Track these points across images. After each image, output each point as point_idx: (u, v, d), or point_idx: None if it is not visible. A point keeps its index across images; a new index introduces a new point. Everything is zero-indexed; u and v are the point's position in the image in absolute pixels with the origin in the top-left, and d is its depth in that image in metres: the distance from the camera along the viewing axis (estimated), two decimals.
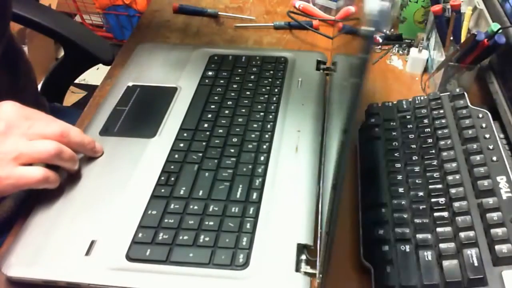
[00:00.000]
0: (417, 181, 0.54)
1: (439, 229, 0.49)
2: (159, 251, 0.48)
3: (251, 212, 0.52)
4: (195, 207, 0.52)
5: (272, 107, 0.65)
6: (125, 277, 0.46)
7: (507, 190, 0.51)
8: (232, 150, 0.59)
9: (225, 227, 0.50)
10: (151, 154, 0.58)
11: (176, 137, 0.61)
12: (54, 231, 0.50)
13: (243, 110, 0.65)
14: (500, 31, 0.61)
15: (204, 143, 0.60)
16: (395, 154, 0.57)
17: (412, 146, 0.58)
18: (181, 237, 0.49)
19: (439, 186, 0.53)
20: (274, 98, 0.66)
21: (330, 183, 0.53)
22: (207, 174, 0.56)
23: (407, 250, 0.49)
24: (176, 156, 0.58)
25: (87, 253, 0.48)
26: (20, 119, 0.51)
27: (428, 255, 0.48)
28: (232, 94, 0.67)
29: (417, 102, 0.63)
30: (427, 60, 0.75)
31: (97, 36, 1.03)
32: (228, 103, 0.66)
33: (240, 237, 0.49)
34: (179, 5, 0.90)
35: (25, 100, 0.73)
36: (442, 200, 0.52)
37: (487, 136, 0.57)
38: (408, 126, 0.60)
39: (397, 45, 0.81)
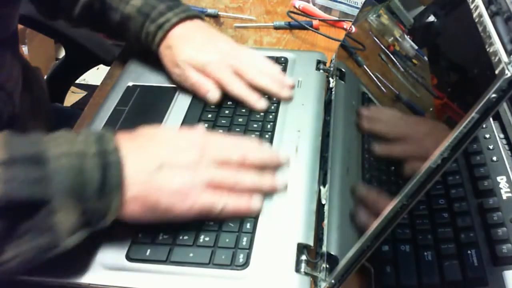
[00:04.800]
0: None
1: (439, 229, 0.49)
2: (159, 251, 0.48)
3: None
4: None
5: (272, 107, 0.65)
6: (125, 277, 0.46)
7: (507, 190, 0.52)
8: None
9: (225, 227, 0.50)
10: None
11: None
12: None
13: (243, 110, 0.64)
14: None
15: None
16: None
17: None
18: (181, 237, 0.49)
19: (439, 186, 0.53)
20: (274, 98, 0.66)
21: (338, 184, 0.53)
22: None
23: (407, 250, 0.49)
24: None
25: (87, 253, 0.48)
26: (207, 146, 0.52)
27: (428, 255, 0.48)
28: None
29: None
30: None
31: (98, 36, 1.03)
32: (228, 103, 0.66)
33: (240, 237, 0.49)
34: None
35: (40, 110, 0.75)
36: (442, 200, 0.52)
37: (487, 136, 0.57)
38: None
39: None
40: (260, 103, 0.64)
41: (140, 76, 0.71)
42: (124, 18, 0.68)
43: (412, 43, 0.54)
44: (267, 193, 0.53)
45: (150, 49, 0.69)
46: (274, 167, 0.55)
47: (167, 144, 0.50)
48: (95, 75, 1.21)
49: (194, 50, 0.65)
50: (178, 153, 0.49)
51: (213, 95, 0.64)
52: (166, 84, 0.69)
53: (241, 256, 0.48)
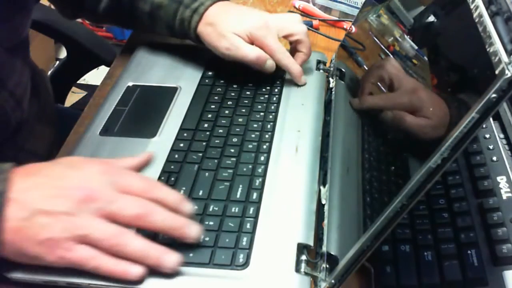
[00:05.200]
0: None
1: (439, 230, 0.49)
2: None
3: (251, 212, 0.52)
4: (195, 207, 0.52)
5: (272, 107, 0.65)
6: None
7: (507, 190, 0.52)
8: (232, 150, 0.59)
9: (225, 227, 0.50)
10: None
11: (176, 137, 0.61)
12: None
13: (243, 110, 0.64)
14: None
15: (204, 143, 0.60)
16: None
17: None
18: None
19: (439, 186, 0.53)
20: (274, 98, 0.66)
21: (337, 186, 0.53)
22: (207, 174, 0.56)
23: (407, 250, 0.49)
24: (176, 156, 0.58)
25: None
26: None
27: (428, 255, 0.48)
28: (232, 94, 0.67)
29: None
30: None
31: (99, 36, 1.03)
32: (228, 103, 0.66)
33: (240, 237, 0.49)
34: None
35: (46, 113, 0.75)
36: (442, 200, 0.52)
37: (487, 136, 0.57)
38: None
39: None
40: (303, 80, 0.67)
41: (140, 76, 0.71)
42: (155, 8, 0.69)
43: (412, 43, 0.54)
44: (154, 267, 0.45)
45: (186, 36, 0.69)
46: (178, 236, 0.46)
47: (50, 186, 0.45)
48: (95, 75, 1.21)
49: (237, 20, 0.65)
50: (55, 198, 0.44)
51: (271, 64, 0.65)
52: (166, 84, 0.69)
53: (241, 256, 0.48)
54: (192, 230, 0.47)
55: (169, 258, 0.45)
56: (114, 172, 0.48)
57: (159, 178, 0.55)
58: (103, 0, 0.72)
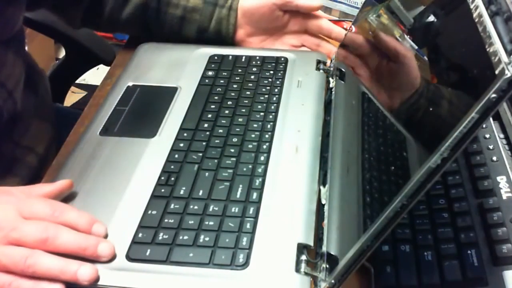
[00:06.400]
0: None
1: (439, 230, 0.49)
2: (159, 251, 0.48)
3: (251, 212, 0.52)
4: (195, 207, 0.52)
5: (272, 107, 0.65)
6: (125, 277, 0.46)
7: (507, 190, 0.52)
8: (232, 150, 0.59)
9: (225, 227, 0.50)
10: (151, 154, 0.58)
11: (176, 137, 0.61)
12: None
13: (243, 110, 0.64)
14: None
15: (204, 143, 0.60)
16: None
17: None
18: (181, 237, 0.49)
19: (439, 186, 0.53)
20: (274, 98, 0.66)
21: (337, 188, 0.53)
22: (207, 174, 0.56)
23: (407, 250, 0.49)
24: (176, 156, 0.58)
25: None
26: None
27: (428, 255, 0.48)
28: (232, 94, 0.67)
29: None
30: None
31: (98, 36, 1.03)
32: (228, 103, 0.66)
33: (240, 237, 0.49)
34: None
35: (44, 111, 0.75)
36: (442, 200, 0.52)
37: (487, 136, 0.57)
38: None
39: None
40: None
41: (140, 76, 0.71)
42: (188, 12, 0.72)
43: (412, 43, 0.54)
44: (72, 282, 0.45)
45: (219, 37, 0.75)
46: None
47: None
48: (95, 75, 1.22)
49: None
50: None
51: None
52: (166, 84, 0.69)
53: (241, 256, 0.48)
54: (103, 249, 0.47)
55: (85, 271, 0.45)
56: (18, 200, 0.48)
57: (159, 178, 0.55)
58: (128, 6, 0.72)
